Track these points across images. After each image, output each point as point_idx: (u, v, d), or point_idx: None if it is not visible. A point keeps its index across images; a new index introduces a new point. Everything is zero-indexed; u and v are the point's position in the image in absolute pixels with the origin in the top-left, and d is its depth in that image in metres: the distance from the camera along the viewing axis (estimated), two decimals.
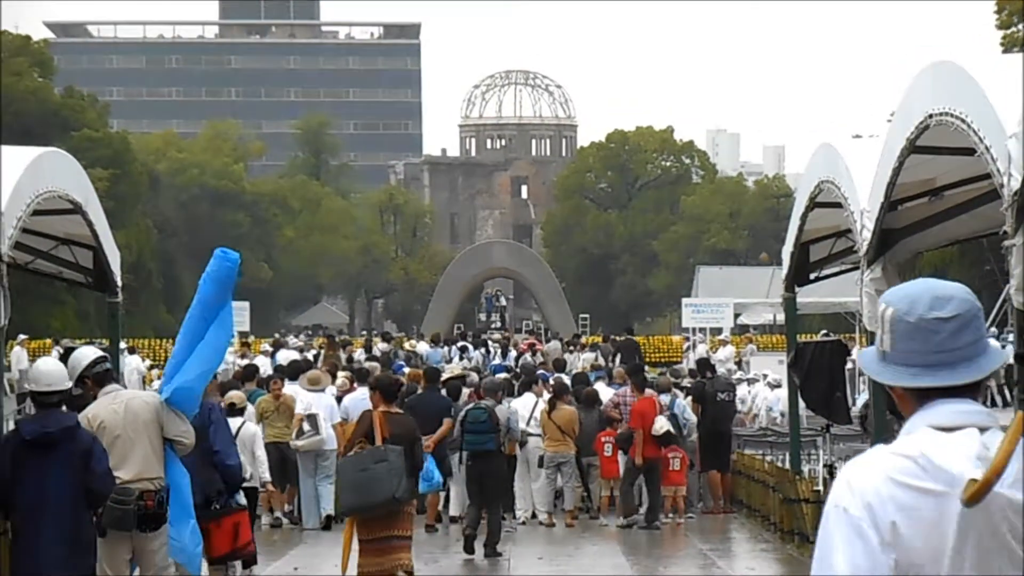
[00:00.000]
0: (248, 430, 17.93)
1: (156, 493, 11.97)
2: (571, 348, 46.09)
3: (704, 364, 27.30)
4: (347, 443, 15.22)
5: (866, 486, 3.78)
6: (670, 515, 23.37)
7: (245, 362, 33.09)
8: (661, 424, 22.35)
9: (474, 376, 28.10)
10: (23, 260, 19.08)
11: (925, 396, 3.88)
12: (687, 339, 54.18)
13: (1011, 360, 10.98)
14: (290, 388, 22.78)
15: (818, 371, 18.47)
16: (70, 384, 11.88)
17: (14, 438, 11.61)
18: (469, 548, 19.84)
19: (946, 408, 3.85)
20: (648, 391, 23.62)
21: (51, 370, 11.85)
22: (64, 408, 11.79)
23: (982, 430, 3.84)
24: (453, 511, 23.34)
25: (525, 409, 23.20)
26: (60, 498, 11.35)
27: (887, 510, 3.75)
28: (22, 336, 42.69)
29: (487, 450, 20.32)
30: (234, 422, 17.07)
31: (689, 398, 24.98)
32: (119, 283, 19.70)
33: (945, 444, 3.79)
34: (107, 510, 11.80)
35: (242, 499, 13.55)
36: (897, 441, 3.91)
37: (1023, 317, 11.09)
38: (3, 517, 11.77)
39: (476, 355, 44.94)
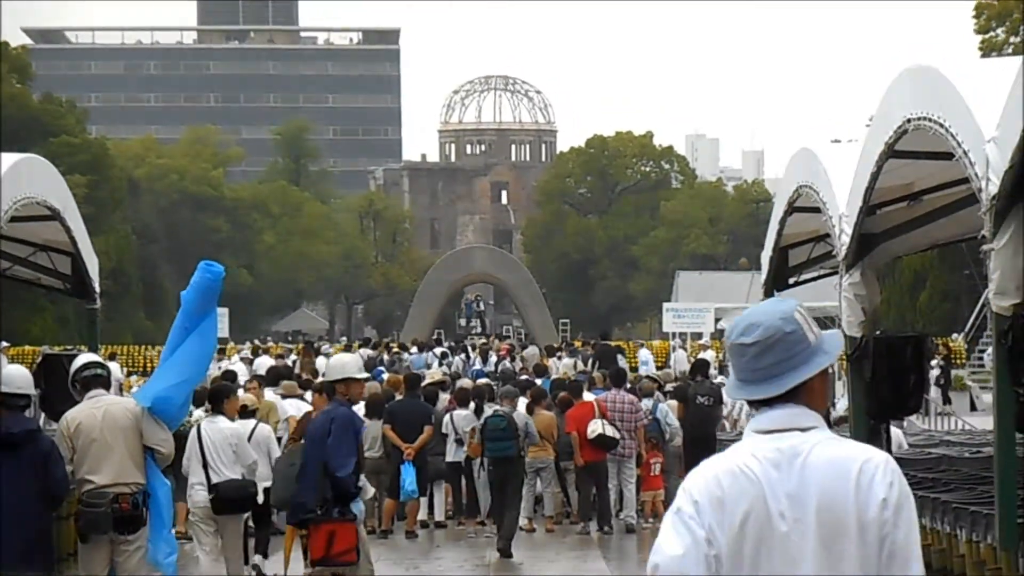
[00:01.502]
0: (262, 431, 17.93)
1: (131, 496, 11.98)
2: (558, 354, 45.90)
3: (697, 367, 27.19)
4: (287, 442, 15.91)
5: (695, 487, 4.47)
6: (650, 519, 23.36)
7: (222, 368, 32.97)
8: (593, 428, 22.32)
9: (467, 381, 28.06)
10: (1, 267, 19.02)
11: (755, 406, 4.56)
12: (640, 344, 53.90)
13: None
14: (269, 395, 22.74)
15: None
16: (36, 391, 12.08)
17: None
18: (507, 553, 20.22)
19: (767, 415, 4.51)
20: (588, 396, 23.65)
21: (21, 374, 12.07)
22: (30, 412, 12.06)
23: (804, 430, 4.45)
24: (439, 516, 23.33)
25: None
26: (22, 497, 11.45)
27: (710, 504, 4.41)
28: (4, 344, 42.58)
29: (508, 456, 20.94)
30: (247, 424, 17.45)
31: (673, 401, 24.98)
32: (97, 289, 19.66)
33: (757, 445, 4.45)
34: (81, 514, 11.88)
35: (356, 508, 13.69)
36: (732, 446, 4.59)
37: (1002, 321, 11.11)
38: None
39: (456, 360, 44.91)
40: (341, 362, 14.19)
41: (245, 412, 17.90)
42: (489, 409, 22.49)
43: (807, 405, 4.48)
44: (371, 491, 13.90)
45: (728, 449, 4.58)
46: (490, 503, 22.23)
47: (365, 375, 13.90)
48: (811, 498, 4.34)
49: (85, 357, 12.93)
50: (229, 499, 15.28)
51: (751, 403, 4.57)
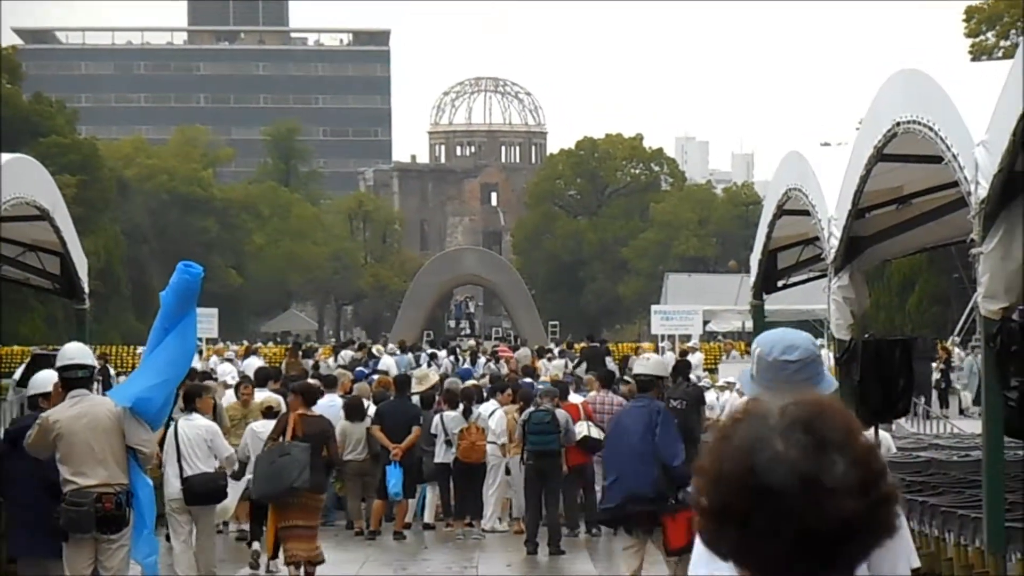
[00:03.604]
0: None
1: (115, 496, 11.98)
2: (548, 355, 45.79)
3: (678, 368, 26.68)
4: (267, 440, 17.03)
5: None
6: None
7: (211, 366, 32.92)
8: (579, 430, 22.22)
9: (456, 382, 28.02)
10: None
11: None
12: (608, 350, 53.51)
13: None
14: (259, 396, 22.68)
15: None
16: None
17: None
18: (533, 549, 20.60)
19: None
20: (575, 397, 23.62)
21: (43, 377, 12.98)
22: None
23: None
24: (428, 518, 23.29)
25: (487, 415, 23.22)
26: (26, 489, 12.26)
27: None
28: None
29: (551, 450, 21.08)
30: (268, 424, 18.19)
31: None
32: (87, 289, 19.65)
33: None
34: (63, 513, 11.91)
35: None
36: None
37: (991, 324, 11.13)
38: None
39: (446, 362, 44.94)
40: (654, 361, 15.55)
41: (270, 413, 19.06)
42: (474, 409, 22.63)
43: None
44: None
45: None
46: (525, 504, 21.80)
47: (664, 373, 15.25)
48: None
49: (70, 351, 12.77)
50: (199, 492, 16.04)
51: None
